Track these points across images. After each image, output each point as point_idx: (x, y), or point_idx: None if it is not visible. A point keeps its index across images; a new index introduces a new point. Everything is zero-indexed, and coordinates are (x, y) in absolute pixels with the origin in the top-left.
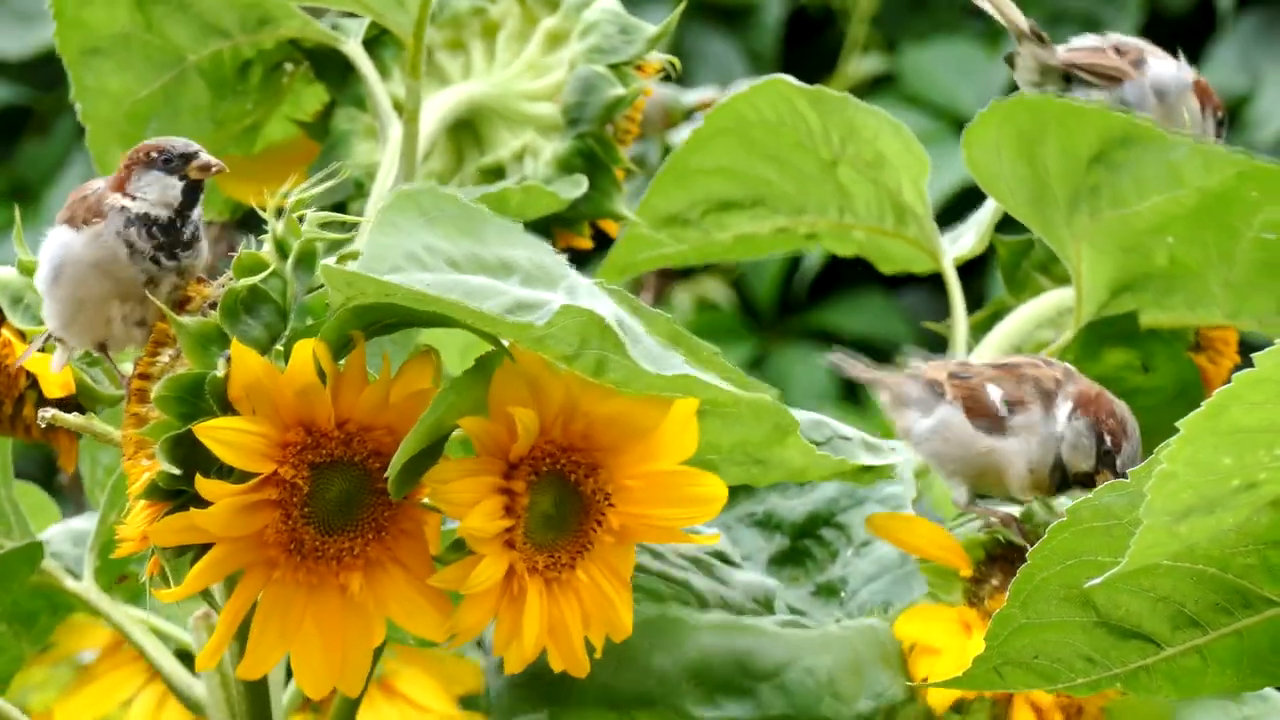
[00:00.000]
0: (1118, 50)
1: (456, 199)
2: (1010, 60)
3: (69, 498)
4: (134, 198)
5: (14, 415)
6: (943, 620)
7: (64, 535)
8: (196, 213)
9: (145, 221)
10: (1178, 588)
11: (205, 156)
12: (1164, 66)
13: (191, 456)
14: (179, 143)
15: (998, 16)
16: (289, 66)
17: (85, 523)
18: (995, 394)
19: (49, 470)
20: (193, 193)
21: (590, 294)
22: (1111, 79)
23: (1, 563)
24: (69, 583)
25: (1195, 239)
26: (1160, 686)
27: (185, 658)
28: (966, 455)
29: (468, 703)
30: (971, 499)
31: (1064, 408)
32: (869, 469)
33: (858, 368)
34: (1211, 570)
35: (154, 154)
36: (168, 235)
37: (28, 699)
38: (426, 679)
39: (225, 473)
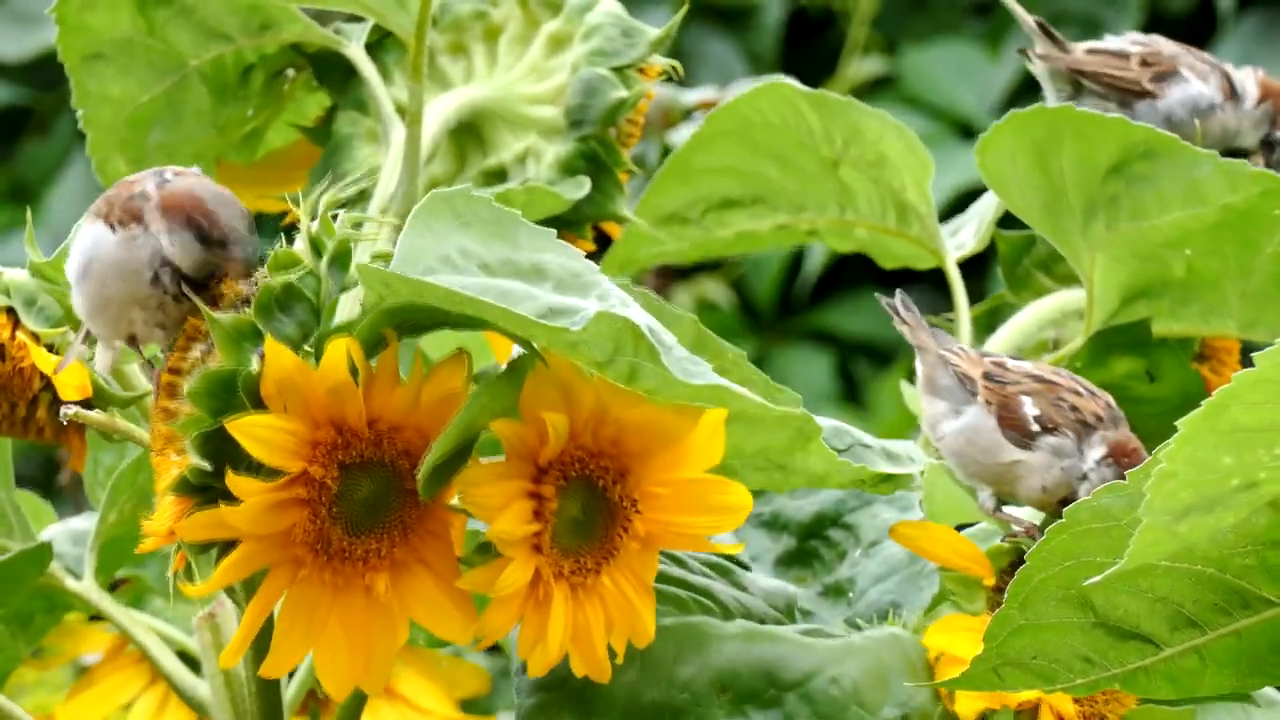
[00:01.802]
0: (1145, 61)
1: (490, 203)
2: (1025, 54)
3: (69, 498)
4: (171, 242)
5: (28, 417)
6: (968, 629)
7: (64, 535)
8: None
9: (179, 271)
10: (1176, 588)
11: (226, 283)
12: (1192, 88)
13: (221, 452)
14: (224, 229)
15: (1011, 9)
16: (290, 72)
17: (85, 523)
18: (1029, 409)
19: (49, 472)
20: (204, 276)
21: (623, 302)
22: (1124, 92)
23: (9, 566)
24: (69, 582)
25: (1214, 251)
26: (1159, 687)
27: (184, 659)
28: (990, 462)
29: (469, 706)
30: (997, 505)
31: (1097, 450)
32: (889, 477)
33: (912, 321)
34: (1210, 571)
35: (201, 222)
36: (195, 287)
37: (22, 699)
38: (427, 682)
39: (254, 470)
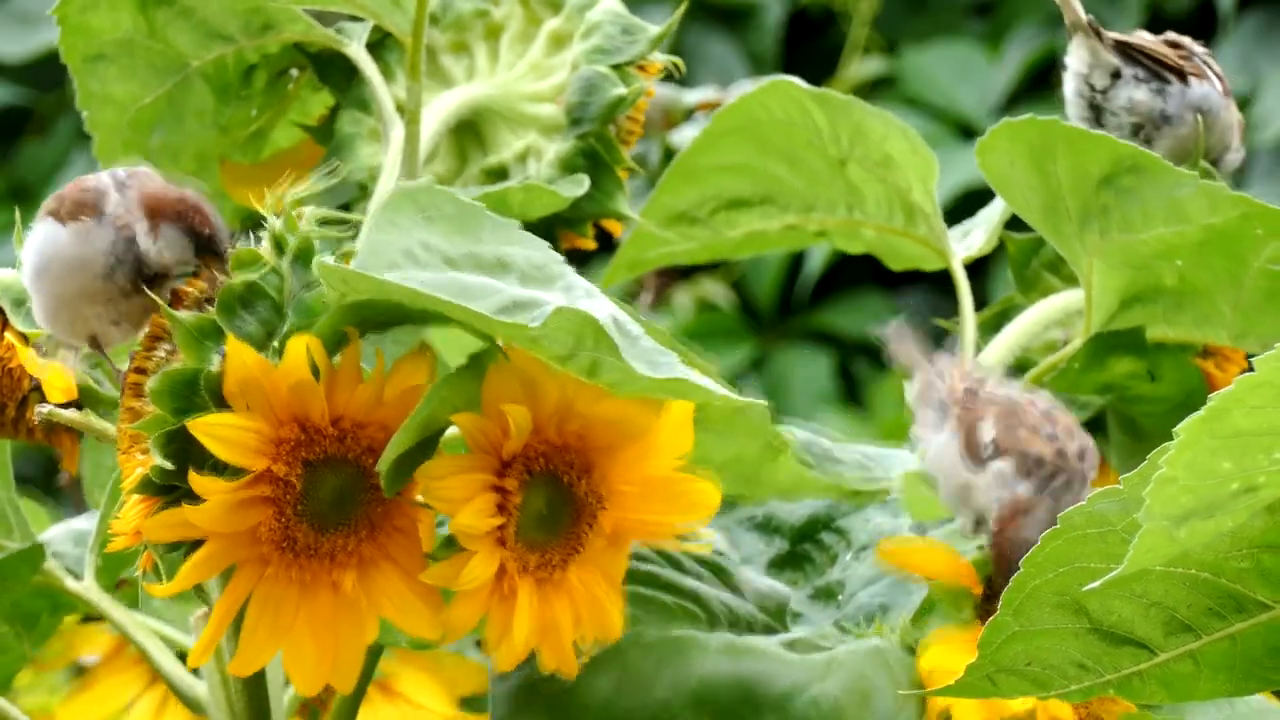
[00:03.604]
0: (1176, 48)
1: (454, 197)
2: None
3: (69, 498)
4: (153, 239)
5: (17, 418)
6: (959, 643)
7: (65, 535)
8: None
9: (133, 263)
10: (1170, 593)
11: (189, 281)
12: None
13: (185, 452)
14: (222, 228)
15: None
16: (294, 72)
17: (86, 523)
18: (987, 433)
19: (49, 472)
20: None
21: (587, 294)
22: (1174, 71)
23: (2, 565)
24: (70, 583)
25: (1202, 264)
26: (1153, 692)
27: (184, 660)
28: (949, 483)
29: (469, 704)
30: (975, 526)
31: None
32: (861, 491)
33: (904, 349)
34: (1204, 575)
35: (195, 219)
36: (153, 283)
37: (23, 701)
38: (427, 679)
39: (218, 469)
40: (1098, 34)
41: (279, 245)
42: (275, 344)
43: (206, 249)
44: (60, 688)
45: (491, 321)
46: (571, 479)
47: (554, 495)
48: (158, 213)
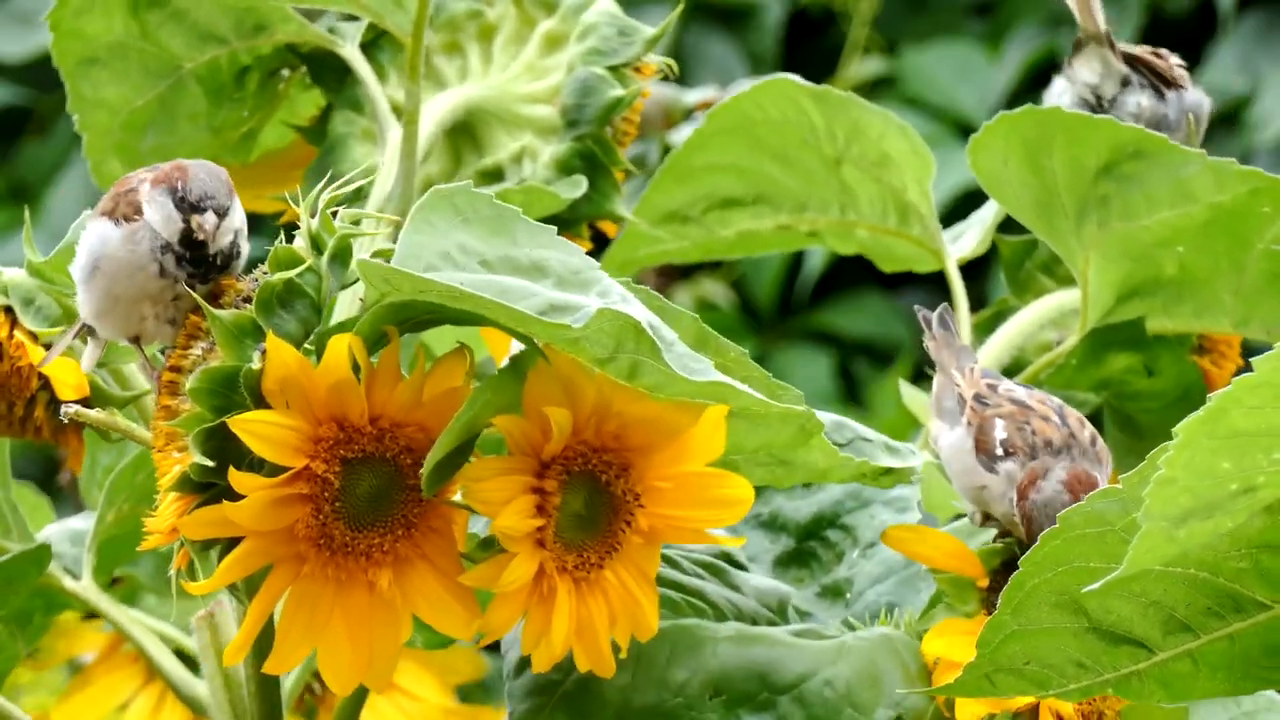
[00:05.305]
0: (1160, 59)
1: (490, 199)
2: (1070, 55)
3: (68, 498)
4: (152, 209)
5: (25, 416)
6: (964, 634)
7: (62, 535)
8: (237, 225)
9: (174, 249)
10: (1169, 592)
11: (207, 219)
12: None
13: (223, 449)
14: (199, 187)
15: (1076, 12)
16: (285, 72)
17: (83, 522)
18: (999, 433)
19: (49, 471)
20: (190, 242)
21: (624, 298)
22: (1169, 79)
23: (9, 566)
24: (68, 582)
25: (1205, 249)
26: (1152, 691)
27: (180, 658)
28: (966, 483)
29: (465, 693)
30: (982, 520)
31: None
32: (891, 471)
33: (940, 338)
34: (1203, 574)
35: (176, 182)
36: (198, 265)
37: (20, 700)
38: (421, 670)
39: (256, 466)
40: (1111, 44)
41: (316, 244)
42: (310, 343)
43: (193, 210)
44: (62, 687)
45: (534, 322)
46: (609, 478)
47: (592, 495)
48: (155, 187)
